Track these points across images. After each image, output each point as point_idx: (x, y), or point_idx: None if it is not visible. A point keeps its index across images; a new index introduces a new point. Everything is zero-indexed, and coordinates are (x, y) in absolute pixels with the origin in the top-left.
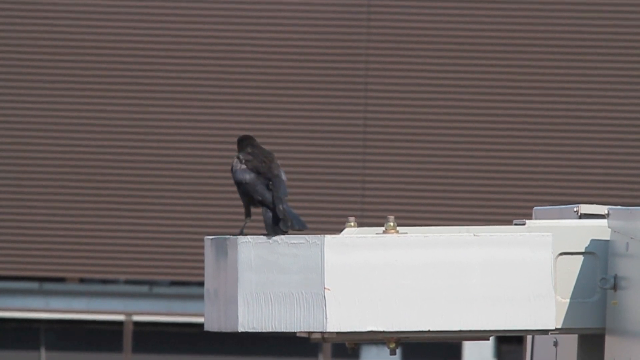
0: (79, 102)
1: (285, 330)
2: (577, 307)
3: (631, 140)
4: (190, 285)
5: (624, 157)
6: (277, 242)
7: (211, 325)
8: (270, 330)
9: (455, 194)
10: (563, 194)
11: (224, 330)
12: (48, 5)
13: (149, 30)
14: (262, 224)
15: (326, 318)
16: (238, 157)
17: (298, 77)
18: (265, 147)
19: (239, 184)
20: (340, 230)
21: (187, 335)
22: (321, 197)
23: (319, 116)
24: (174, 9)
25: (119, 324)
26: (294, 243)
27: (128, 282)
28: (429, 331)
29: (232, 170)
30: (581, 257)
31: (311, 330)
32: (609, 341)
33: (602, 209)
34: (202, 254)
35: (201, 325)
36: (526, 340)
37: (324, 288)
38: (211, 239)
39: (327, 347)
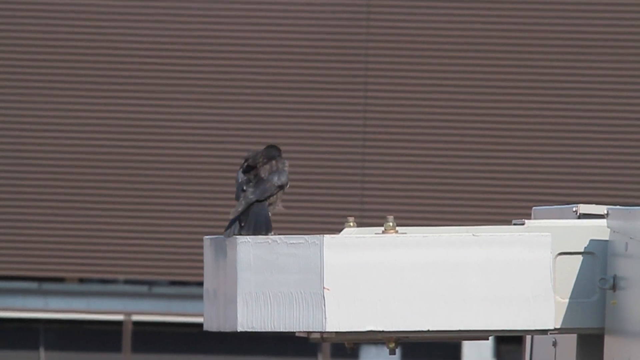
0: (78, 102)
1: (284, 330)
2: (576, 307)
3: (631, 140)
4: (189, 285)
5: (624, 157)
6: (276, 242)
7: (210, 325)
8: (270, 330)
9: (454, 194)
10: (562, 194)
11: (223, 330)
12: (48, 5)
13: (149, 30)
14: (274, 224)
15: (325, 318)
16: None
17: (297, 77)
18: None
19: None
20: (339, 230)
21: (187, 335)
22: (320, 197)
23: (319, 116)
24: (174, 9)
25: (119, 324)
26: (293, 243)
27: (127, 282)
28: (428, 331)
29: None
30: (580, 257)
31: (310, 330)
32: (608, 341)
33: (601, 209)
34: (202, 254)
35: (200, 325)
36: (525, 340)
37: (323, 288)
38: (210, 239)
39: (326, 347)
